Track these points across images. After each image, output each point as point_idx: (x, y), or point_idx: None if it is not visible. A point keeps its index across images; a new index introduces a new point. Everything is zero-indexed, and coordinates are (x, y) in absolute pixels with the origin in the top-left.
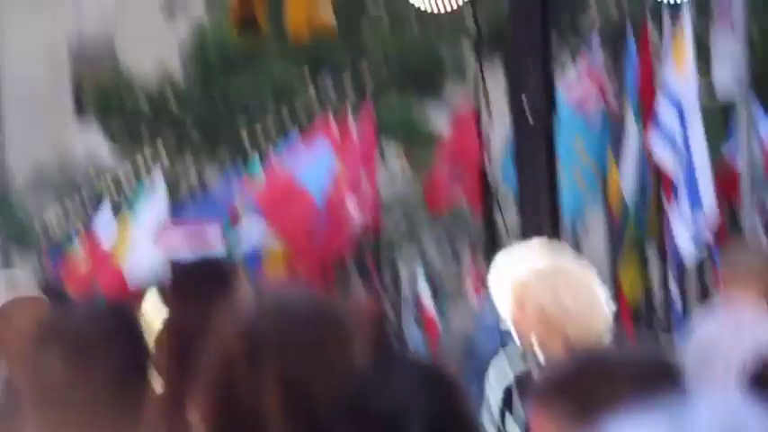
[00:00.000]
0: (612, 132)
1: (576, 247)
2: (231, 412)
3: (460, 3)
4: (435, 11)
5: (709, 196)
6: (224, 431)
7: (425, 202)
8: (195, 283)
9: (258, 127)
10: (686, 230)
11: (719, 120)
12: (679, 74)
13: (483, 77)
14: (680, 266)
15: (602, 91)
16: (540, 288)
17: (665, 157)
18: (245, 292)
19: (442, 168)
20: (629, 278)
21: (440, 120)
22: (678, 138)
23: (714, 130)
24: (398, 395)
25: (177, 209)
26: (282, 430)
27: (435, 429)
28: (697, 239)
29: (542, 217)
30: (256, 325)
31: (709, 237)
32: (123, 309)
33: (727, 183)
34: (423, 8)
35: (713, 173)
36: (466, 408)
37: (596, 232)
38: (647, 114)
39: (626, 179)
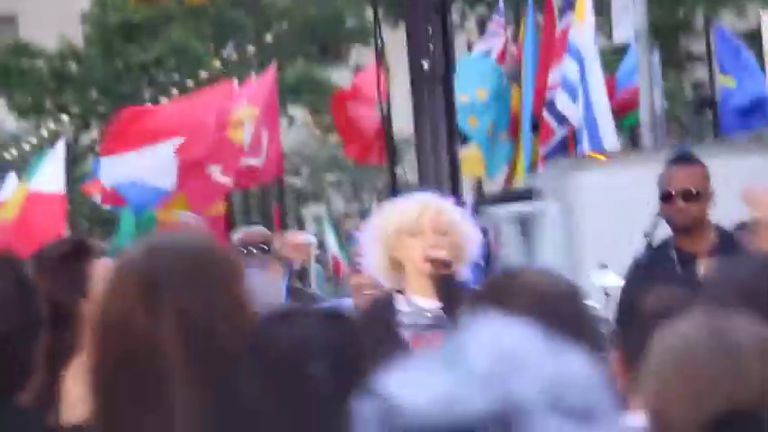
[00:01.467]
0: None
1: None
2: (130, 351)
3: None
4: None
5: (609, 136)
6: (123, 372)
7: (344, 154)
8: (60, 257)
9: (163, 96)
10: None
11: (618, 60)
12: (580, 27)
13: (381, 37)
14: None
15: (505, 50)
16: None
17: (569, 109)
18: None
19: (350, 121)
20: None
21: (346, 82)
22: (579, 89)
23: (613, 70)
24: (300, 333)
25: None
26: (183, 366)
27: (336, 367)
28: None
29: (441, 167)
30: (150, 264)
31: None
32: (12, 261)
33: (627, 103)
34: None
35: (616, 99)
36: (364, 347)
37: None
38: (543, 70)
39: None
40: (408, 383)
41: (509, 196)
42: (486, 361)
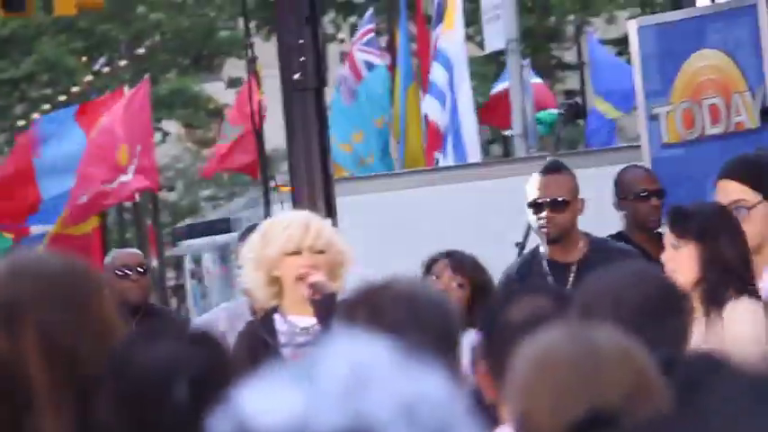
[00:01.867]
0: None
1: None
2: None
3: None
4: None
5: (472, 147)
6: None
7: (205, 169)
8: None
9: (35, 111)
10: None
11: (490, 68)
12: (449, 36)
13: (252, 49)
14: None
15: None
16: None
17: (436, 116)
18: None
19: (224, 136)
20: None
21: (219, 94)
22: (447, 98)
23: (484, 77)
24: (163, 355)
25: None
26: (46, 392)
27: (199, 389)
28: None
29: (314, 181)
30: (10, 287)
31: None
32: None
33: (498, 114)
34: None
35: (485, 110)
36: (230, 369)
37: None
38: (423, 77)
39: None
40: (261, 400)
41: (208, 227)
42: (339, 377)
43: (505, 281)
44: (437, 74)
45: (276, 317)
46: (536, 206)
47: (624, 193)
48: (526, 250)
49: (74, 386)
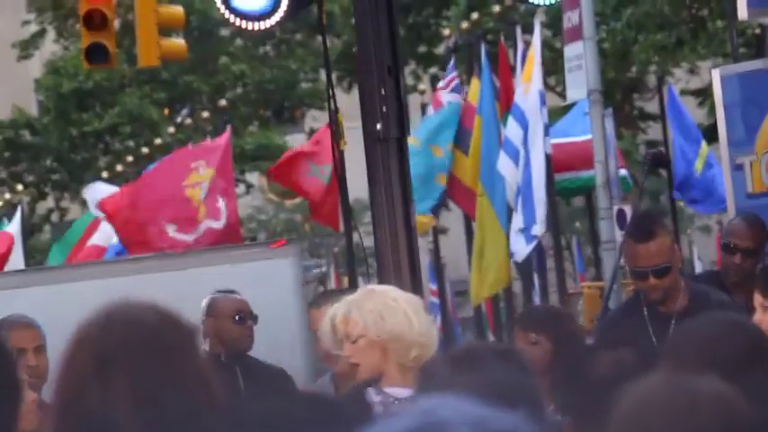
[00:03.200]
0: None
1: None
2: (84, 425)
3: None
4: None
5: (541, 208)
6: None
7: (301, 219)
8: None
9: (118, 163)
10: (520, 234)
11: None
12: (526, 90)
13: (334, 100)
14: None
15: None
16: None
17: (509, 170)
18: None
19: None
20: (476, 280)
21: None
22: (521, 155)
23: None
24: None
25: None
26: None
27: None
28: (528, 239)
29: (397, 233)
30: (103, 338)
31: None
32: None
33: (581, 158)
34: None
35: (569, 154)
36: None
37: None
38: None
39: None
40: None
41: None
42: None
43: (600, 330)
44: (512, 131)
45: (370, 389)
46: (641, 275)
47: (722, 237)
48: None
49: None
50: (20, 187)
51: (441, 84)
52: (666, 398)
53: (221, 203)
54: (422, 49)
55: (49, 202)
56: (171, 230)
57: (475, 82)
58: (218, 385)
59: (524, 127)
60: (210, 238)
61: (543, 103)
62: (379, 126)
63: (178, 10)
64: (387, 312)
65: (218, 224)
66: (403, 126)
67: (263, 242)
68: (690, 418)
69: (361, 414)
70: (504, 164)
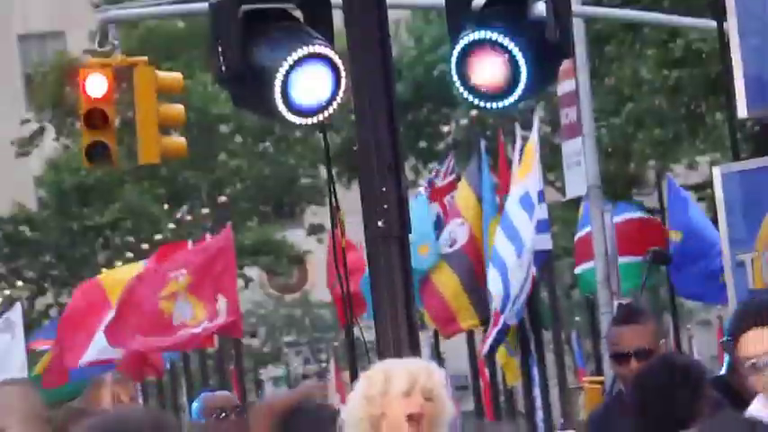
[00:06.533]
0: None
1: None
2: None
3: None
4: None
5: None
6: None
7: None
8: None
9: (117, 259)
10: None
11: (571, 213)
12: (523, 184)
13: (334, 197)
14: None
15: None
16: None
17: (495, 289)
18: None
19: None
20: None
21: (300, 241)
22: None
23: (565, 221)
24: None
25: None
26: None
27: None
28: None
29: (399, 329)
30: None
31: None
32: None
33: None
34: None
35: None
36: None
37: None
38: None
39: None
40: None
41: None
42: None
43: (589, 423)
44: (503, 249)
45: None
46: (619, 358)
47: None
48: None
49: None
50: (19, 283)
51: (437, 183)
52: None
53: (221, 302)
54: (422, 144)
55: (48, 298)
56: (149, 341)
57: (463, 184)
58: None
59: (519, 248)
60: (209, 338)
61: (542, 199)
62: (380, 223)
63: (178, 108)
64: None
65: (212, 324)
66: (405, 224)
67: None
68: None
69: None
70: (492, 276)
